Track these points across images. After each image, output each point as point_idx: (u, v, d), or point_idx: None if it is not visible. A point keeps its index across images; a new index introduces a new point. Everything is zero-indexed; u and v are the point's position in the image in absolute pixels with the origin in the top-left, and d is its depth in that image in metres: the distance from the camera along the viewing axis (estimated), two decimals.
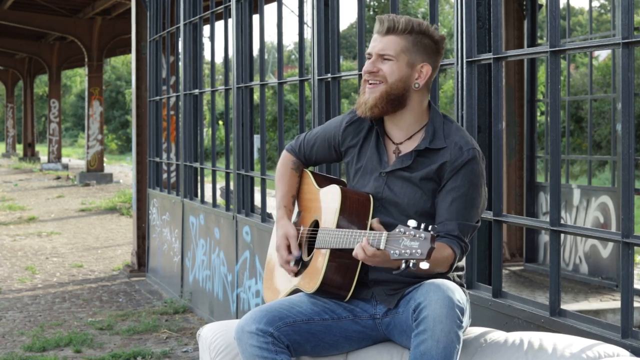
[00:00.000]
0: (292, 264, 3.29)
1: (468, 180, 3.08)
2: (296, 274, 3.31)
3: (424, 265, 2.67)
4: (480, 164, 3.11)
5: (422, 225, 2.71)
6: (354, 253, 2.88)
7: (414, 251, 2.68)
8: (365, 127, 3.27)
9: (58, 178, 26.20)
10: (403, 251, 2.69)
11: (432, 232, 2.68)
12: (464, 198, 3.07)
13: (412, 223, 2.72)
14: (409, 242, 2.69)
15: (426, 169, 3.12)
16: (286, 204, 3.41)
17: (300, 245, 3.33)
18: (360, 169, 3.26)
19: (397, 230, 2.74)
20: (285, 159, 3.51)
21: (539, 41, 9.53)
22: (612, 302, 7.37)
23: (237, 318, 6.53)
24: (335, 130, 3.35)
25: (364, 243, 2.82)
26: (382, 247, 2.76)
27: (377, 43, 3.14)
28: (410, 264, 2.68)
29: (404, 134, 3.20)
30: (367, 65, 3.15)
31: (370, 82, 3.14)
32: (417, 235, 2.69)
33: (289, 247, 3.29)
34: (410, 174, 3.14)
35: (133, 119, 10.21)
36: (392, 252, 2.72)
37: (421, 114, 3.19)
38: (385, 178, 3.18)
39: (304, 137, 3.50)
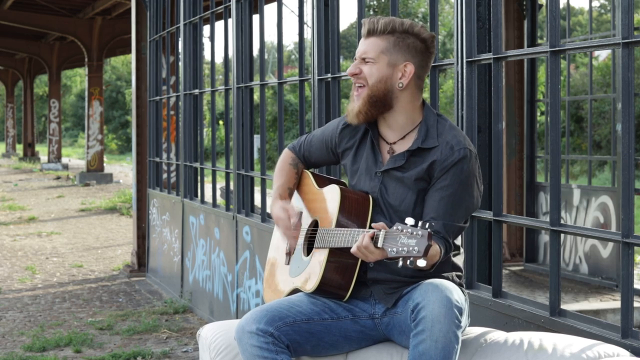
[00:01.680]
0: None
1: (457, 180, 3.08)
2: (296, 274, 3.31)
3: (421, 262, 2.68)
4: (471, 163, 3.10)
5: (420, 223, 2.71)
6: (352, 250, 2.89)
7: (410, 248, 2.69)
8: (361, 129, 3.28)
9: (58, 178, 26.20)
10: (400, 249, 2.71)
11: (429, 230, 2.69)
12: (452, 198, 3.07)
13: (409, 221, 2.73)
14: (406, 239, 2.71)
15: (417, 168, 3.12)
16: (281, 194, 3.42)
17: (298, 246, 3.34)
18: (357, 170, 3.27)
19: (394, 227, 2.75)
20: (284, 156, 3.53)
21: (539, 41, 9.53)
22: (612, 302, 7.37)
23: (237, 318, 6.54)
24: (332, 133, 3.36)
25: (365, 240, 2.82)
26: (380, 244, 2.77)
27: (360, 46, 3.18)
28: (408, 262, 2.69)
29: (397, 134, 3.20)
30: (350, 67, 3.18)
31: (357, 86, 3.16)
32: (415, 233, 2.70)
33: (288, 217, 3.30)
34: (403, 175, 3.14)
35: (133, 119, 10.21)
36: (389, 249, 2.73)
37: (413, 114, 3.19)
38: (380, 178, 3.19)
39: (304, 138, 3.52)
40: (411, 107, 3.18)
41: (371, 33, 3.15)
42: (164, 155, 9.43)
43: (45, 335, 6.79)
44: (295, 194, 3.48)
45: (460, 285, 3.19)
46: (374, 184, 3.19)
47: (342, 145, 3.33)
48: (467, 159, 3.09)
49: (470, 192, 3.10)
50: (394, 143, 3.21)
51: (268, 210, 6.51)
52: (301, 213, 3.41)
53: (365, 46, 3.15)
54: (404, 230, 2.72)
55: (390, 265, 3.07)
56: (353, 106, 3.18)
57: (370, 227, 2.99)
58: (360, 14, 4.92)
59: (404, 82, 3.14)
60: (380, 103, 3.14)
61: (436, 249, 2.99)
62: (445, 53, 26.95)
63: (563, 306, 3.50)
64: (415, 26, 3.14)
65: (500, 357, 3.02)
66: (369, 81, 3.13)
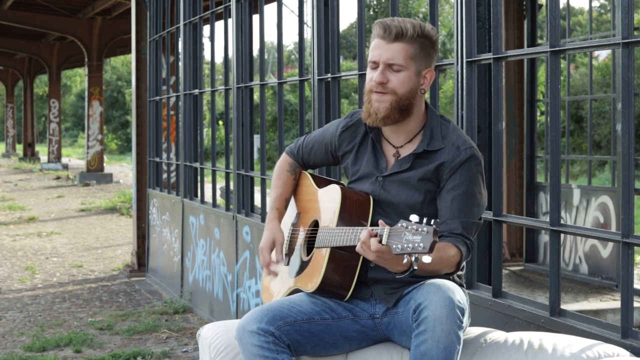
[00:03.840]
0: (272, 267, 3.35)
1: (467, 178, 3.08)
2: (296, 274, 3.31)
3: (427, 259, 2.66)
4: (478, 163, 3.11)
5: (424, 220, 2.70)
6: (357, 248, 2.87)
7: (416, 245, 2.67)
8: (361, 132, 3.26)
9: (58, 178, 26.20)
10: (405, 245, 2.68)
11: (434, 226, 2.66)
12: (465, 196, 3.07)
13: (414, 218, 2.70)
14: (411, 236, 2.68)
15: (423, 169, 3.12)
16: (278, 206, 3.43)
17: (298, 246, 3.34)
18: (357, 172, 3.25)
19: (399, 225, 2.72)
20: (282, 162, 3.52)
21: (539, 41, 9.52)
22: (612, 302, 7.36)
23: (237, 318, 6.54)
24: (332, 136, 3.34)
25: (368, 236, 2.80)
26: (384, 241, 2.74)
27: (384, 51, 3.05)
28: (413, 259, 2.67)
29: (405, 138, 3.19)
30: (377, 75, 3.06)
31: (376, 91, 3.08)
32: (420, 230, 2.67)
33: (271, 251, 3.34)
34: (407, 176, 3.14)
35: (133, 119, 10.21)
36: (394, 246, 2.71)
37: (421, 117, 3.19)
38: (382, 182, 3.17)
39: (303, 140, 3.50)
40: (420, 111, 3.18)
41: (399, 38, 3.04)
42: (164, 155, 9.43)
43: (45, 335, 6.79)
44: (293, 197, 3.48)
45: (461, 285, 3.19)
46: (374, 188, 3.18)
47: (342, 148, 3.32)
48: (475, 157, 3.09)
49: (479, 189, 3.10)
50: (401, 147, 3.19)
51: (268, 210, 6.52)
52: (299, 214, 3.41)
53: (392, 52, 3.04)
54: (409, 227, 2.69)
55: None
56: (376, 108, 3.08)
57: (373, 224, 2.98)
58: (361, 14, 4.92)
59: (425, 88, 3.13)
60: (406, 110, 3.11)
61: (454, 251, 2.99)
62: (445, 53, 26.94)
63: (563, 306, 3.50)
64: (428, 27, 3.10)
65: (500, 357, 3.02)
66: (399, 91, 3.06)
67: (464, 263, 3.17)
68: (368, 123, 3.15)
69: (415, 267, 2.72)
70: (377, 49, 3.07)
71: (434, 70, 3.14)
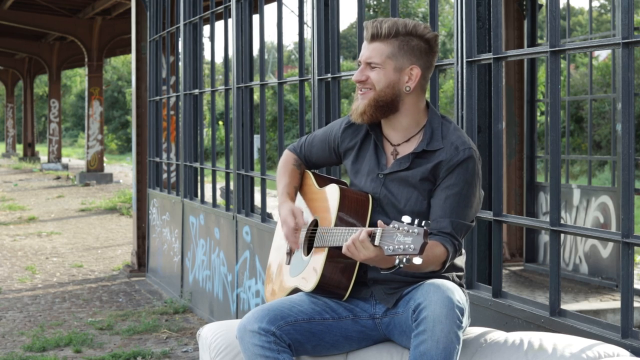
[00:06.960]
0: (299, 234, 3.26)
1: (463, 178, 3.08)
2: (296, 273, 3.31)
3: (417, 260, 2.68)
4: (476, 164, 3.11)
5: (416, 221, 2.71)
6: (344, 250, 2.87)
7: (407, 246, 2.69)
8: (363, 130, 3.28)
9: (58, 178, 26.20)
10: (397, 247, 2.70)
11: (425, 228, 2.69)
12: (458, 196, 3.07)
13: (406, 219, 2.72)
14: (402, 237, 2.70)
15: (422, 168, 3.12)
16: (289, 192, 3.41)
17: (299, 245, 3.34)
18: (358, 170, 3.26)
19: (391, 226, 2.74)
20: (286, 157, 3.52)
21: (539, 41, 9.53)
22: (612, 302, 7.37)
23: (237, 318, 6.54)
24: (335, 133, 3.36)
25: (361, 237, 2.81)
26: (377, 242, 2.76)
27: (365, 51, 3.16)
28: (404, 260, 2.69)
29: (401, 136, 3.20)
30: (356, 74, 3.17)
31: (361, 89, 3.16)
32: (411, 231, 2.69)
33: (295, 222, 3.27)
34: (407, 175, 3.14)
35: (133, 119, 10.22)
36: (386, 247, 2.73)
37: (418, 116, 3.19)
38: (382, 180, 3.18)
39: (305, 139, 3.51)
40: (416, 110, 3.18)
41: (375, 37, 3.12)
42: (164, 155, 9.43)
43: (45, 335, 6.79)
44: (297, 195, 3.48)
45: (460, 285, 3.19)
46: (375, 185, 3.19)
47: (344, 145, 3.33)
48: (473, 159, 3.10)
49: (474, 191, 3.10)
50: (398, 145, 3.20)
51: (268, 210, 6.53)
52: (302, 213, 3.41)
53: (370, 51, 3.13)
54: (400, 228, 2.71)
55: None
56: (357, 105, 3.17)
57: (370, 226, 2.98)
58: (360, 14, 4.92)
59: (411, 85, 3.14)
60: (387, 107, 3.14)
61: (441, 249, 2.99)
62: (445, 53, 26.95)
63: (563, 306, 3.51)
64: (418, 27, 3.12)
65: (500, 357, 3.02)
66: (377, 86, 3.12)
67: (458, 264, 3.18)
68: (351, 119, 3.23)
69: (402, 265, 2.73)
70: (362, 49, 3.20)
71: (420, 67, 3.13)
